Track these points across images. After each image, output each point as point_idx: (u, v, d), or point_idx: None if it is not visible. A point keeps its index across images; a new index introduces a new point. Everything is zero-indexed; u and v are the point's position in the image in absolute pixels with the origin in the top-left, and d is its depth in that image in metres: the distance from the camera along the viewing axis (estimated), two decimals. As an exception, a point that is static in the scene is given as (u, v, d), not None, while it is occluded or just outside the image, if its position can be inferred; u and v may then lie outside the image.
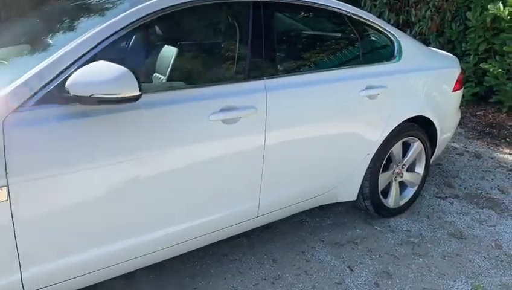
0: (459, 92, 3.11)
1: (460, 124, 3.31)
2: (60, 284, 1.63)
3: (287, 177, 2.22)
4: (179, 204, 1.87)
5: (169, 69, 1.97)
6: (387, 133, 2.56)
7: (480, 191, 3.22)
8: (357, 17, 2.54)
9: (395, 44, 2.72)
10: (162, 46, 2.09)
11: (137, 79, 1.50)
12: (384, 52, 2.71)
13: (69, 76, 1.51)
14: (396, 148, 2.70)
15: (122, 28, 1.71)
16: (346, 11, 2.49)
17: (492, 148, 4.14)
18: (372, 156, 2.55)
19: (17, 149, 1.43)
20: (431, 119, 2.81)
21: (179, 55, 2.01)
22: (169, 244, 1.91)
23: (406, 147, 2.79)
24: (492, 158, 3.88)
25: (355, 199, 2.65)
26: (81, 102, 1.50)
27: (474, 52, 4.92)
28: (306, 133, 2.20)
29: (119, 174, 1.65)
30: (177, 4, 1.86)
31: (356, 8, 2.58)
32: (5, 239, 1.47)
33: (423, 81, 2.81)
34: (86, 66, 1.51)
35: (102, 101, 1.49)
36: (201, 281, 2.17)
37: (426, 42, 5.16)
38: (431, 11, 5.29)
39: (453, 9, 5.17)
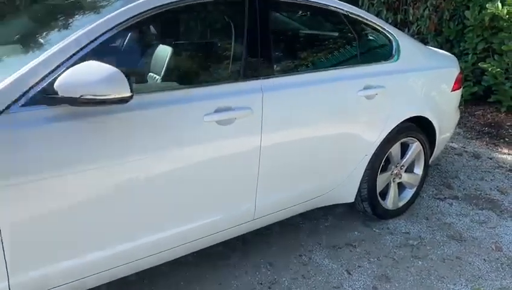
0: (458, 92, 3.07)
1: (458, 123, 3.28)
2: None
3: (283, 180, 2.17)
4: (172, 208, 1.82)
5: (163, 69, 1.92)
6: (385, 134, 2.52)
7: (479, 192, 3.19)
8: (354, 16, 2.50)
9: (394, 43, 2.68)
10: (155, 46, 2.05)
11: (128, 80, 1.45)
12: (382, 51, 2.67)
13: (58, 76, 1.46)
14: (395, 149, 2.66)
15: (114, 27, 1.65)
16: (343, 9, 2.44)
17: (491, 148, 4.11)
18: (370, 157, 2.51)
19: (4, 152, 1.38)
20: (430, 119, 2.77)
21: (173, 54, 1.96)
22: (162, 248, 1.86)
23: (404, 148, 2.74)
24: (491, 158, 3.84)
25: (353, 200, 2.61)
26: (71, 103, 1.45)
27: (472, 52, 4.89)
28: (303, 134, 2.15)
29: (109, 178, 1.60)
30: (170, 2, 1.80)
31: (354, 7, 2.53)
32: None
33: (422, 81, 2.77)
34: (75, 66, 1.46)
35: (91, 102, 1.44)
36: (196, 287, 2.12)
37: (424, 41, 5.12)
38: (429, 10, 5.25)
39: (451, 8, 5.14)
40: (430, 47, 3.41)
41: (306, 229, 2.65)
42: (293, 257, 2.37)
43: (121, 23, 1.67)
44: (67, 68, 1.48)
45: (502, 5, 4.37)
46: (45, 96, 1.47)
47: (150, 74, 1.97)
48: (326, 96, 2.23)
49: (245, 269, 2.25)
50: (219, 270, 2.24)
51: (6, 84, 1.44)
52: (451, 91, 2.96)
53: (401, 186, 2.83)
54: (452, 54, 3.45)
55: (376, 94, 2.41)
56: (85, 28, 1.61)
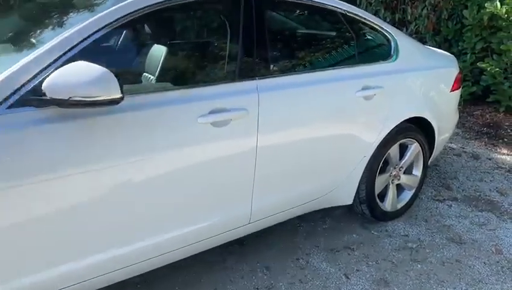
0: (458, 92, 3.03)
1: (457, 123, 3.24)
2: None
3: (280, 182, 2.13)
4: (166, 212, 1.78)
5: (158, 69, 1.87)
6: (384, 135, 2.47)
7: (478, 194, 3.15)
8: (352, 15, 2.45)
9: (392, 43, 2.63)
10: (148, 46, 2.00)
11: (118, 80, 1.41)
12: (380, 51, 2.62)
13: (46, 77, 1.41)
14: (394, 150, 2.62)
15: (105, 26, 1.60)
16: (341, 8, 2.39)
17: (490, 148, 4.07)
18: (368, 158, 2.47)
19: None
20: (429, 120, 2.73)
21: (166, 54, 1.91)
22: (157, 253, 1.81)
23: (403, 149, 2.70)
24: (490, 159, 3.81)
25: (351, 202, 2.57)
26: (59, 105, 1.40)
27: (471, 51, 4.85)
28: (300, 135, 2.11)
29: (101, 181, 1.55)
30: (163, 1, 1.75)
31: (352, 6, 2.49)
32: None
33: (421, 81, 2.73)
34: (64, 66, 1.41)
35: (81, 104, 1.39)
36: (191, 291, 2.08)
37: (422, 41, 5.08)
38: (427, 9, 5.21)
39: (450, 8, 5.10)
40: (428, 46, 3.37)
41: (304, 231, 2.60)
42: (290, 260, 2.33)
43: (112, 22, 1.62)
44: (56, 69, 1.44)
45: (501, 4, 4.33)
46: (33, 97, 1.42)
47: (144, 74, 1.92)
48: (324, 97, 2.19)
49: (241, 273, 2.21)
50: (215, 273, 2.20)
51: (-8, 85, 1.39)
52: (451, 91, 2.92)
53: (399, 188, 2.78)
54: (451, 53, 3.41)
55: (374, 95, 2.37)
56: (74, 27, 1.56)
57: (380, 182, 2.61)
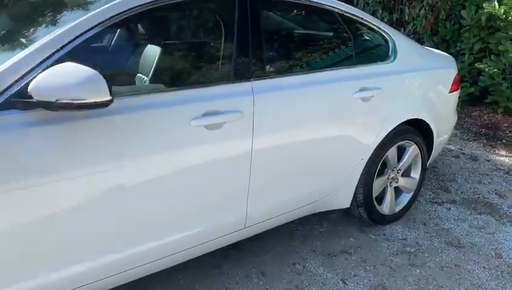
0: (456, 93, 2.99)
1: (455, 125, 3.20)
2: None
3: (275, 186, 2.08)
4: (159, 217, 1.72)
5: (151, 70, 1.82)
6: (382, 137, 2.43)
7: (477, 196, 3.11)
8: (350, 15, 2.41)
9: (390, 43, 2.59)
10: (141, 46, 1.95)
11: (107, 82, 1.36)
12: (378, 52, 2.58)
13: (33, 79, 1.36)
14: (392, 153, 2.58)
15: (96, 26, 1.55)
16: (338, 8, 2.35)
17: (488, 150, 4.04)
18: (366, 161, 2.42)
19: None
20: (427, 121, 2.69)
21: (159, 55, 1.86)
22: (151, 259, 1.76)
23: (401, 151, 2.66)
24: (488, 160, 3.77)
25: (348, 206, 2.53)
26: (46, 108, 1.35)
27: (469, 52, 4.82)
28: (296, 138, 2.06)
29: (89, 187, 1.50)
30: (155, 0, 1.70)
31: (349, 6, 2.44)
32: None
33: (419, 82, 2.69)
34: (51, 68, 1.36)
35: (68, 107, 1.34)
36: (185, 298, 2.03)
37: (420, 41, 5.05)
38: (425, 9, 5.18)
39: (448, 8, 5.07)
40: (427, 47, 3.33)
41: (300, 235, 2.56)
42: (286, 265, 2.28)
43: (103, 22, 1.57)
44: (44, 70, 1.39)
45: (499, 5, 4.30)
46: (19, 100, 1.37)
47: (138, 75, 1.87)
48: (321, 98, 2.14)
49: (236, 279, 2.16)
50: (210, 279, 2.15)
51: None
52: (449, 92, 2.88)
53: (397, 191, 2.74)
54: (448, 54, 3.37)
55: (372, 96, 2.33)
56: (64, 26, 1.51)
57: (377, 184, 2.56)
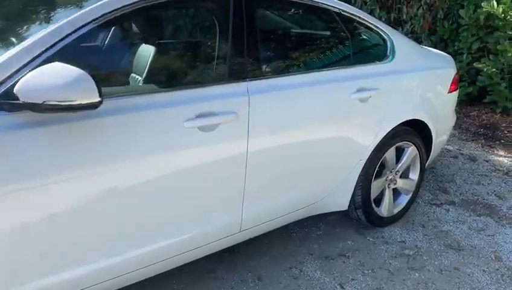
0: (455, 93, 2.96)
1: (453, 125, 3.17)
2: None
3: (271, 189, 2.04)
4: (152, 221, 1.68)
5: (145, 70, 1.78)
6: (380, 138, 2.39)
7: (476, 197, 3.07)
8: (347, 14, 2.36)
9: (388, 43, 2.55)
10: (134, 46, 1.90)
11: (96, 83, 1.31)
12: (376, 51, 2.54)
13: (20, 79, 1.31)
14: (390, 154, 2.54)
15: (87, 24, 1.50)
16: (335, 7, 2.30)
17: (486, 150, 4.01)
18: (364, 162, 2.38)
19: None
20: (426, 122, 2.65)
21: (152, 55, 1.81)
22: (145, 264, 1.72)
23: (399, 152, 2.62)
24: (487, 161, 3.74)
25: (346, 208, 2.48)
26: (33, 109, 1.31)
27: (467, 51, 4.79)
28: (292, 139, 2.02)
29: (79, 191, 1.46)
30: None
31: (347, 5, 2.40)
32: None
33: (417, 82, 2.65)
34: (38, 68, 1.31)
35: (56, 108, 1.29)
36: (179, 303, 1.98)
37: (418, 41, 5.01)
38: (423, 8, 5.14)
39: (446, 7, 5.03)
40: (425, 47, 3.29)
41: (297, 238, 2.52)
42: (283, 269, 2.24)
43: (96, 19, 1.52)
44: (31, 70, 1.34)
45: (498, 4, 4.27)
46: (5, 101, 1.32)
47: (132, 75, 1.82)
48: (318, 99, 2.10)
49: (232, 284, 2.12)
50: (204, 283, 2.10)
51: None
52: (448, 93, 2.84)
53: (396, 192, 2.70)
54: (447, 53, 3.33)
55: (370, 97, 2.29)
56: (54, 24, 1.46)
57: (376, 186, 2.52)
